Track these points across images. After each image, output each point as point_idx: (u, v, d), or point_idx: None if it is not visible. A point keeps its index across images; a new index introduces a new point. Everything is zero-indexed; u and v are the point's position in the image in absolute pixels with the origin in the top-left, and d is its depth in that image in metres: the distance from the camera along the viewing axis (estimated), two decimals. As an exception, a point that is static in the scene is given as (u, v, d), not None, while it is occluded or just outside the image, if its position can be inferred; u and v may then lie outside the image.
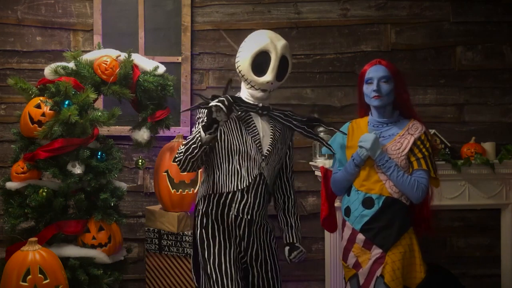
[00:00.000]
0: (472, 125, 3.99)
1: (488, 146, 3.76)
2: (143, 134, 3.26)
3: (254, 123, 2.38)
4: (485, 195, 3.68)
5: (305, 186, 3.95)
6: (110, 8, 3.86)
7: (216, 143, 2.35)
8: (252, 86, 2.36)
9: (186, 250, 3.26)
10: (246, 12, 3.94)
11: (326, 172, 2.80)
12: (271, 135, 2.40)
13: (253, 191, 2.36)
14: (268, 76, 2.32)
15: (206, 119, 2.22)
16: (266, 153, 2.37)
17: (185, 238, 3.26)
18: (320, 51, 3.98)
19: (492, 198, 3.69)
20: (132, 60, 3.17)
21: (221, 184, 2.35)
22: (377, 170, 2.45)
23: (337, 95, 3.97)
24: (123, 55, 3.17)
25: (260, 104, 2.38)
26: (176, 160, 2.33)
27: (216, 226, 2.36)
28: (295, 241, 2.53)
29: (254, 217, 2.38)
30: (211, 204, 2.38)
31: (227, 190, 2.35)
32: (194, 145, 2.25)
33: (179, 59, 3.87)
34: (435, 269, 3.65)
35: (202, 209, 2.40)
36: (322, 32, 3.97)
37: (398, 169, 2.40)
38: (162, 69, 3.29)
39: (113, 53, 3.19)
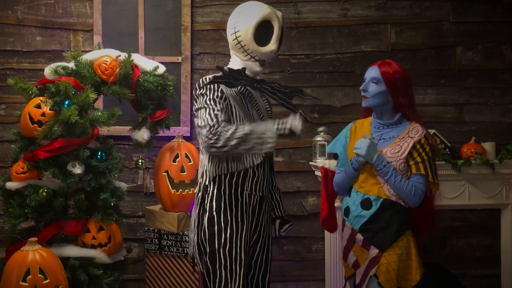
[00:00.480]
0: (472, 125, 3.99)
1: (488, 146, 3.76)
2: (143, 134, 3.26)
3: (254, 96, 2.39)
4: (485, 195, 3.68)
5: (305, 186, 3.95)
6: (110, 8, 3.86)
7: (230, 121, 2.29)
8: (251, 57, 2.34)
9: (186, 250, 3.26)
10: (246, 12, 3.93)
11: (326, 172, 2.80)
12: (268, 108, 2.44)
13: (262, 168, 2.38)
14: (273, 45, 2.32)
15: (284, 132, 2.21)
16: None
17: (185, 238, 3.26)
18: (320, 51, 3.98)
19: (492, 198, 3.69)
20: (132, 60, 3.17)
21: (236, 162, 2.32)
22: (376, 172, 2.44)
23: (337, 95, 3.97)
24: (123, 55, 3.17)
25: (258, 77, 2.38)
26: (219, 145, 2.17)
27: (228, 210, 2.32)
28: (283, 215, 2.61)
29: (264, 193, 2.41)
30: (223, 185, 2.33)
31: (243, 167, 2.32)
32: (254, 144, 2.17)
33: (179, 59, 3.87)
34: (435, 269, 3.65)
35: (212, 192, 2.34)
36: (322, 32, 3.97)
37: (396, 173, 2.39)
38: (162, 69, 3.29)
39: (113, 53, 3.18)
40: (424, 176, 2.42)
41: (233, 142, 2.16)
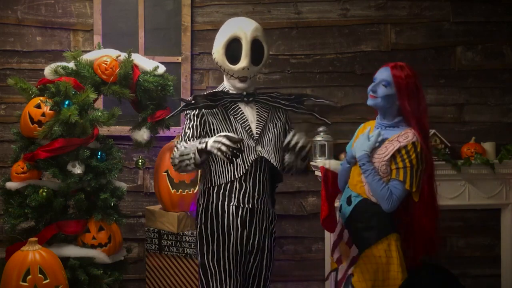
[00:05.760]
0: (472, 125, 3.99)
1: (488, 146, 3.77)
2: (143, 134, 3.26)
3: (241, 110, 2.40)
4: (485, 195, 3.68)
5: (305, 186, 3.95)
6: (110, 8, 3.86)
7: (208, 136, 2.35)
8: (231, 76, 2.39)
9: (186, 250, 3.26)
10: (246, 12, 3.93)
11: (326, 172, 2.79)
12: (257, 116, 2.42)
13: (251, 179, 2.37)
14: (243, 62, 2.34)
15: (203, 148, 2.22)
16: (256, 135, 2.38)
17: (185, 238, 3.27)
18: (320, 51, 3.98)
19: (492, 198, 3.69)
20: (132, 60, 3.17)
21: (218, 176, 2.37)
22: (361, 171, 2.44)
23: (337, 95, 3.97)
24: (123, 55, 3.17)
25: (244, 92, 2.40)
26: (172, 164, 2.40)
27: (215, 221, 2.37)
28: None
29: (256, 206, 2.39)
30: (211, 197, 2.39)
31: (225, 181, 2.36)
32: (188, 162, 2.29)
33: (179, 59, 3.87)
34: (435, 269, 3.65)
35: (203, 204, 2.42)
36: (322, 32, 3.97)
37: (374, 173, 2.36)
38: (162, 69, 3.29)
39: (113, 53, 3.19)
40: (402, 183, 2.34)
41: (175, 161, 2.34)
